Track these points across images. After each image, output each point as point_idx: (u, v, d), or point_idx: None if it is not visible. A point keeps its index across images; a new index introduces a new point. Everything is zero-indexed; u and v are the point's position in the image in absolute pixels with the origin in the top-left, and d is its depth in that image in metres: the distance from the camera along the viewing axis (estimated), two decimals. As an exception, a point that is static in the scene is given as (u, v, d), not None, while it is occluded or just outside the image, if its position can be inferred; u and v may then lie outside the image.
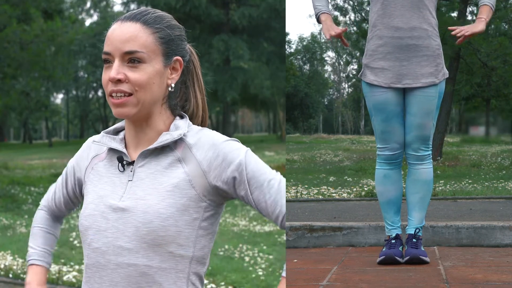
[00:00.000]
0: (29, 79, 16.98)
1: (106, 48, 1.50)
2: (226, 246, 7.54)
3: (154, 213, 1.47)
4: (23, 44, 15.85)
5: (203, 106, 1.65)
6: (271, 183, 1.51)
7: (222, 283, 5.98)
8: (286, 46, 43.31)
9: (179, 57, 1.56)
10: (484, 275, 3.19)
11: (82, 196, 1.66)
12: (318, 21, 3.56)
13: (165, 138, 1.51)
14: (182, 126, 1.54)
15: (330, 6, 3.61)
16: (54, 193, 1.76)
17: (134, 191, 1.51)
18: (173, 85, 1.55)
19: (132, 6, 26.43)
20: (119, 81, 1.47)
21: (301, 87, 43.78)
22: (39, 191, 13.96)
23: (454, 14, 14.70)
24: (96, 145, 1.63)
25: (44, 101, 24.61)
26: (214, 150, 1.50)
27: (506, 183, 9.42)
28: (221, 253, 7.22)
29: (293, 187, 8.85)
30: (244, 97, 26.61)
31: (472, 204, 5.78)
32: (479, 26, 3.46)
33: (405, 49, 3.43)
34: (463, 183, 9.49)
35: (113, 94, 1.49)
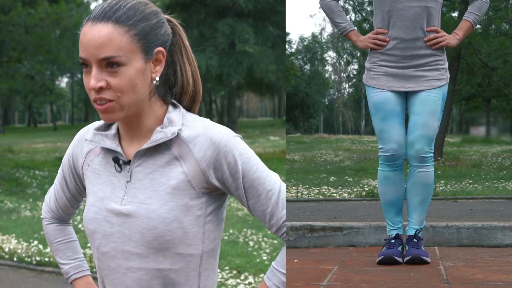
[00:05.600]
0: (34, 63, 16.99)
1: (82, 53, 1.42)
2: (231, 231, 7.55)
3: (158, 218, 1.44)
4: (28, 28, 15.88)
5: (195, 80, 1.56)
6: (269, 195, 1.49)
7: (227, 268, 5.99)
8: (286, 46, 43.25)
9: (160, 48, 1.47)
10: (485, 275, 3.19)
11: (85, 188, 1.62)
12: (344, 36, 3.62)
13: (158, 136, 1.46)
14: (176, 120, 1.48)
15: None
16: (56, 200, 1.71)
17: (134, 194, 1.48)
18: (157, 78, 1.47)
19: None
20: (100, 88, 1.41)
21: (301, 87, 43.75)
22: (44, 175, 13.95)
23: (455, 14, 14.70)
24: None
25: (49, 84, 24.61)
26: (213, 149, 1.46)
27: (506, 183, 9.41)
28: (226, 237, 7.23)
29: (293, 187, 8.85)
30: (249, 81, 26.28)
31: (473, 204, 5.78)
32: (452, 41, 3.47)
33: (408, 58, 3.43)
34: (463, 183, 9.49)
35: (97, 101, 1.43)
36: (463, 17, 3.57)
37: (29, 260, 6.57)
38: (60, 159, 1.78)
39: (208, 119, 1.53)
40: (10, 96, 21.62)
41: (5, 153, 17.74)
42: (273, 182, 1.50)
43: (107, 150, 1.54)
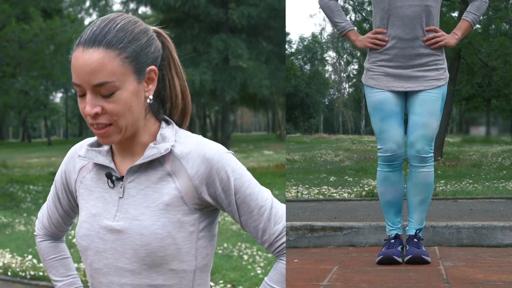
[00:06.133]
0: (28, 78, 16.98)
1: (75, 79, 1.41)
2: (225, 245, 7.54)
3: (151, 234, 1.44)
4: (22, 43, 15.88)
5: (183, 93, 1.56)
6: (261, 211, 1.49)
7: (221, 281, 5.99)
8: (286, 46, 43.27)
9: (152, 67, 1.46)
10: (485, 275, 3.19)
11: (77, 205, 1.62)
12: (343, 36, 3.63)
13: (152, 152, 1.46)
14: (169, 136, 1.48)
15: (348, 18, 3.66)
16: (49, 217, 1.70)
17: (126, 210, 1.47)
18: (151, 96, 1.47)
19: (131, 5, 26.33)
20: (96, 114, 1.41)
21: (301, 87, 43.78)
22: (38, 190, 13.95)
23: (455, 14, 14.70)
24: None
25: (43, 99, 24.61)
26: (206, 165, 1.46)
27: (506, 183, 9.41)
28: (220, 251, 7.22)
29: (293, 187, 8.85)
30: (243, 96, 26.44)
31: (473, 204, 5.78)
32: (451, 41, 3.47)
33: (407, 58, 3.43)
34: (463, 183, 9.49)
35: (94, 126, 1.43)
36: (462, 17, 3.58)
37: (23, 274, 6.56)
38: (54, 173, 1.76)
39: (201, 136, 1.53)
40: (4, 111, 21.60)
41: (-1, 168, 17.72)
42: (265, 198, 1.51)
43: (99, 166, 1.54)
